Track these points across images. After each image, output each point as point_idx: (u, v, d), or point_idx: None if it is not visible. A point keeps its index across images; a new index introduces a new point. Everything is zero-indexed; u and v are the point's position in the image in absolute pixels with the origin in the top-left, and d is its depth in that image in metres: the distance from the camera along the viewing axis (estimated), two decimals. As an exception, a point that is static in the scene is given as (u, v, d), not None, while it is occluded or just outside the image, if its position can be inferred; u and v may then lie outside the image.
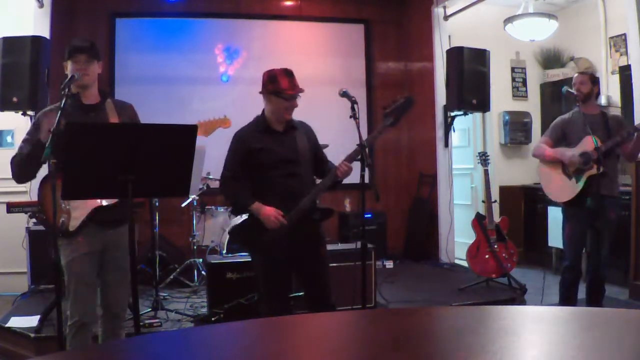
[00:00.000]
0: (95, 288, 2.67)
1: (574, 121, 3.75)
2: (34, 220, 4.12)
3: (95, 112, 2.66)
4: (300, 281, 3.09)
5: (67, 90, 2.50)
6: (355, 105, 2.89)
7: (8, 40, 4.47)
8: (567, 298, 3.73)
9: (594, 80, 3.75)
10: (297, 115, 3.17)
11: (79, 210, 2.55)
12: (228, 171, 2.96)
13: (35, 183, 4.68)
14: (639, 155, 3.69)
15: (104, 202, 2.56)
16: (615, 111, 5.75)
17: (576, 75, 3.88)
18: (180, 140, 2.33)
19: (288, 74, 2.92)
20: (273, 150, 2.89)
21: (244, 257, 3.94)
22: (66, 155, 2.17)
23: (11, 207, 3.77)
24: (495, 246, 4.65)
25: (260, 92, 2.95)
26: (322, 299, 3.01)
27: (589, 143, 3.60)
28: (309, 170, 3.00)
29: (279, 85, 2.87)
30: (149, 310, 3.91)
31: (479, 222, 4.76)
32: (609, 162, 3.59)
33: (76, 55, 2.59)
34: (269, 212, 2.82)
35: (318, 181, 3.09)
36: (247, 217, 2.89)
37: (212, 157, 4.12)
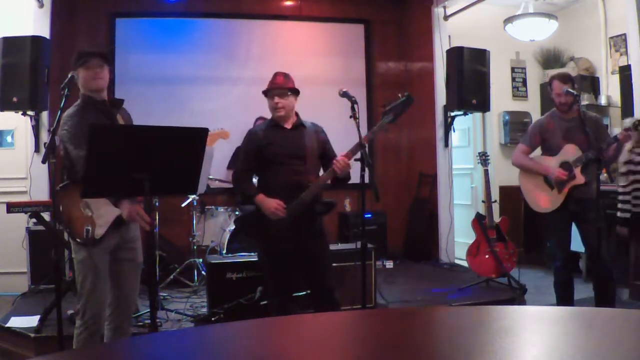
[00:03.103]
0: (109, 286, 2.72)
1: (552, 127, 3.71)
2: (34, 220, 4.11)
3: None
4: (304, 277, 3.16)
5: (66, 90, 2.51)
6: (355, 105, 2.93)
7: (8, 40, 4.47)
8: (563, 298, 3.72)
9: (572, 84, 3.58)
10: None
11: (103, 219, 2.62)
12: (240, 165, 3.15)
13: (40, 185, 4.79)
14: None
15: None
16: (615, 111, 5.75)
17: (554, 84, 3.62)
18: (192, 141, 2.44)
19: (284, 74, 3.05)
20: (279, 145, 3.00)
21: (244, 257, 3.94)
22: (87, 155, 2.26)
23: (11, 207, 3.75)
24: (495, 246, 4.65)
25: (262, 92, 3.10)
26: (324, 296, 3.05)
27: (570, 152, 3.60)
28: (315, 167, 3.07)
29: (268, 84, 3.03)
30: (149, 310, 3.90)
31: (479, 222, 4.76)
32: (588, 167, 3.57)
33: (89, 61, 2.61)
34: (270, 204, 2.94)
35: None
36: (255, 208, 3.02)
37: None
